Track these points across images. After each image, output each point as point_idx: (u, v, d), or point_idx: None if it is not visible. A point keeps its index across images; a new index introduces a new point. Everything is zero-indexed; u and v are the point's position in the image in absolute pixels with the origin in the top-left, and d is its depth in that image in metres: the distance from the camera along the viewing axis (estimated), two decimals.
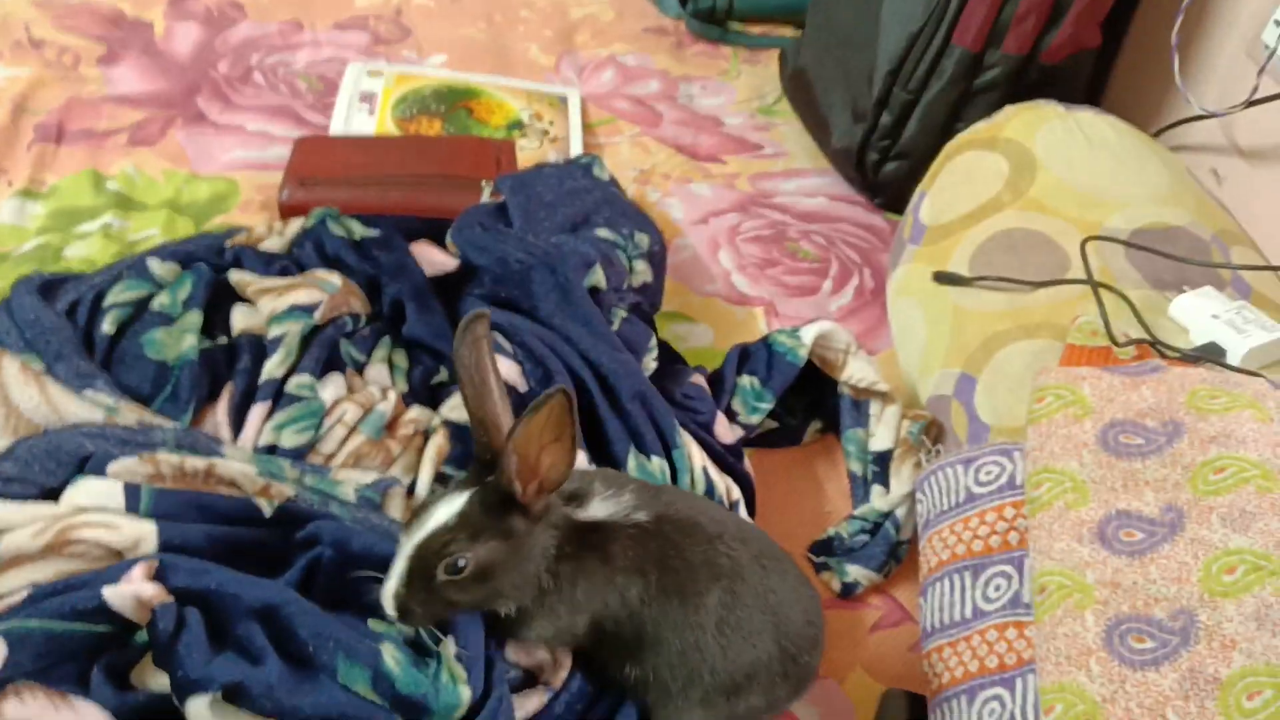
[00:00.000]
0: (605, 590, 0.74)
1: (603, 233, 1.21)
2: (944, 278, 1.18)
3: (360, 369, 1.07)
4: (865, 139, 1.46)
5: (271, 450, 0.96)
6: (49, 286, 1.08)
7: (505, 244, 1.16)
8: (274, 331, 1.03)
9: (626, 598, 0.75)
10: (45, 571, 0.77)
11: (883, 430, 1.09)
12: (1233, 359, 1.02)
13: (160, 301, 1.06)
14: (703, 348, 1.25)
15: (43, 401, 0.92)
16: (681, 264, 1.37)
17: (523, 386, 1.02)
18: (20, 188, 1.35)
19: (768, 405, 1.09)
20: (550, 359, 1.02)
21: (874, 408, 1.11)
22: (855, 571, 1.01)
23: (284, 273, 1.12)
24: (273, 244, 1.18)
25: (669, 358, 1.15)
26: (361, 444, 0.98)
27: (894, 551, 1.03)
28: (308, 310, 1.05)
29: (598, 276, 1.11)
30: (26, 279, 1.08)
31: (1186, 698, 0.73)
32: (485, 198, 1.33)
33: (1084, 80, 1.48)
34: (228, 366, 1.03)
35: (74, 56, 1.58)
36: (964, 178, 1.27)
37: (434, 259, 1.17)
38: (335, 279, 1.10)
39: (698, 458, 0.98)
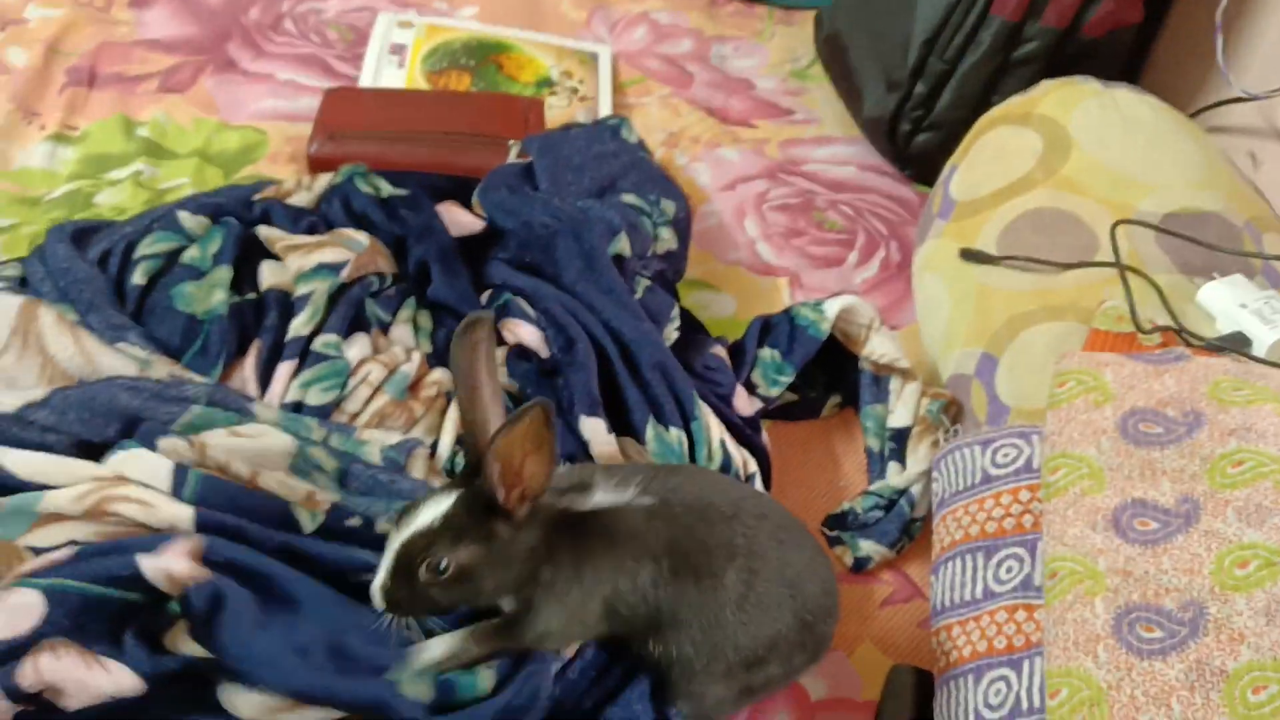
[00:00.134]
0: (614, 574, 0.75)
1: (629, 198, 1.21)
2: (971, 255, 1.17)
3: (385, 328, 1.08)
4: (898, 108, 1.44)
5: (297, 408, 0.98)
6: (80, 235, 1.10)
7: (531, 208, 1.16)
8: (301, 289, 1.04)
9: (638, 581, 0.76)
10: (84, 531, 0.78)
11: (902, 407, 1.10)
12: (1259, 350, 1.01)
13: (190, 255, 1.07)
14: (725, 317, 1.26)
15: (78, 352, 0.94)
16: (707, 231, 1.36)
17: (545, 352, 1.03)
18: (52, 131, 1.36)
19: (788, 378, 1.09)
20: (572, 326, 1.03)
21: (894, 384, 1.11)
22: (868, 547, 1.02)
23: (312, 229, 1.13)
24: (301, 199, 1.19)
25: (691, 327, 1.16)
26: (385, 404, 0.99)
27: (907, 528, 1.04)
28: (335, 269, 1.06)
29: (622, 244, 1.11)
30: (59, 227, 1.09)
31: (1192, 689, 0.73)
32: (512, 158, 1.32)
33: (1123, 56, 1.46)
34: (255, 323, 1.04)
35: None
36: (996, 154, 1.25)
37: (460, 220, 1.17)
38: (363, 238, 1.10)
39: (715, 430, 0.99)
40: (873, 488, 1.06)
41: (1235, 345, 1.01)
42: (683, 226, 1.24)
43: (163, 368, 0.96)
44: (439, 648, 0.75)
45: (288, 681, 0.70)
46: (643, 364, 1.01)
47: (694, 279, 1.29)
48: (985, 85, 1.40)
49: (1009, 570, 0.90)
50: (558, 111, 1.52)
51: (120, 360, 0.94)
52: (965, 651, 0.88)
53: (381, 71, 1.53)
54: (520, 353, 1.05)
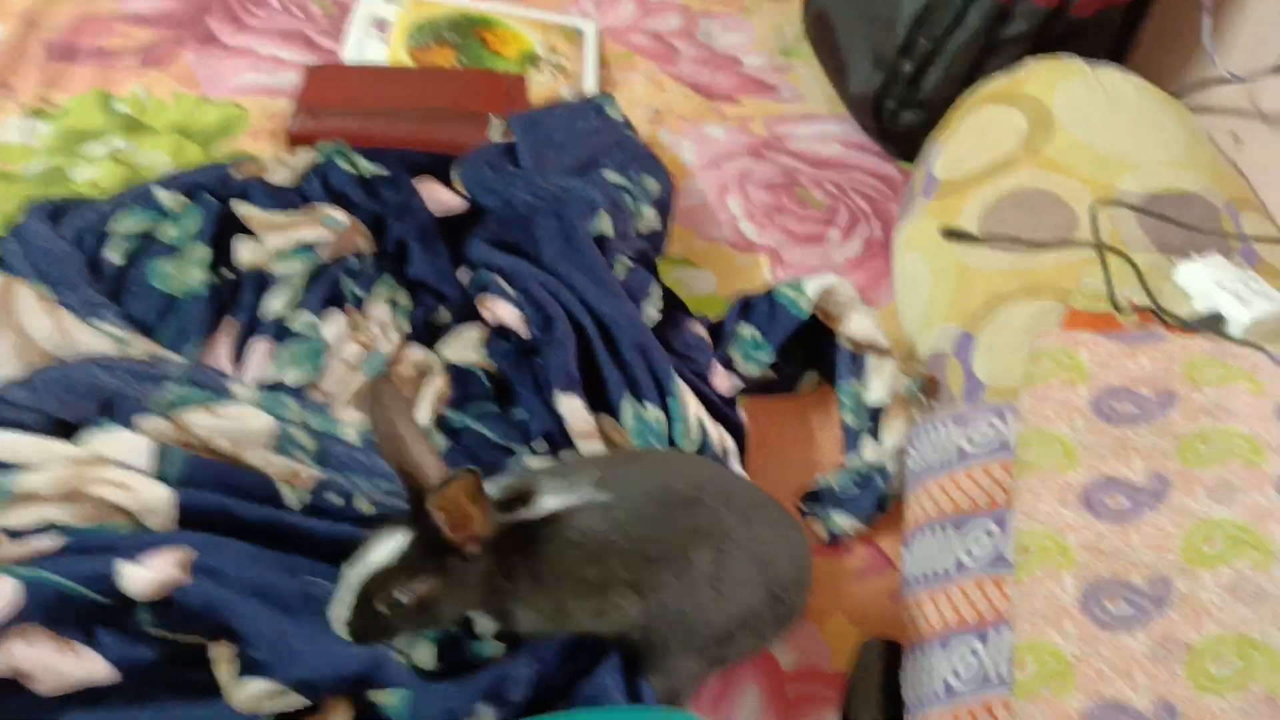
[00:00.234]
0: (581, 570, 0.76)
1: (611, 176, 1.21)
2: (952, 234, 1.17)
3: (360, 305, 1.08)
4: (884, 87, 1.43)
5: (274, 387, 0.98)
6: (57, 212, 1.09)
7: (512, 186, 1.16)
8: (279, 268, 1.04)
9: (608, 574, 0.76)
10: (61, 513, 0.78)
11: (878, 384, 1.10)
12: (1235, 329, 1.01)
13: (168, 233, 1.07)
14: (705, 294, 1.26)
15: (56, 330, 0.93)
16: (689, 209, 1.36)
17: (524, 333, 1.03)
18: (29, 106, 1.35)
19: (767, 356, 1.09)
20: (551, 305, 1.03)
21: (871, 361, 1.12)
22: (842, 520, 1.03)
23: (291, 207, 1.13)
24: (279, 175, 1.18)
25: (671, 304, 1.16)
26: (362, 383, 0.99)
27: (881, 502, 1.04)
28: (313, 248, 1.06)
29: (604, 223, 1.11)
30: (37, 205, 1.09)
31: (1156, 661, 0.74)
32: (494, 134, 1.32)
33: (1111, 36, 1.45)
34: (233, 301, 1.04)
35: None
36: (980, 133, 1.25)
37: (441, 198, 1.17)
38: (342, 217, 1.10)
39: (693, 407, 0.99)
40: (848, 463, 1.06)
41: (1211, 325, 1.02)
42: (665, 205, 1.24)
43: (140, 346, 0.95)
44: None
45: (298, 672, 0.71)
46: (622, 344, 1.01)
47: (675, 256, 1.29)
48: (972, 64, 1.39)
49: (980, 544, 0.90)
50: (542, 87, 1.51)
51: (98, 339, 0.94)
52: (935, 623, 0.89)
53: (365, 46, 1.52)
54: (500, 332, 1.05)
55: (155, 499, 0.79)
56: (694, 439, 0.99)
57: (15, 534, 0.77)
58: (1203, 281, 1.06)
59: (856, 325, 1.11)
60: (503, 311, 1.05)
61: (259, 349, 1.00)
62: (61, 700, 0.70)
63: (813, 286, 1.12)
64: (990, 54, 1.39)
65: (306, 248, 1.06)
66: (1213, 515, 0.80)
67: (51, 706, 0.70)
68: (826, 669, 0.94)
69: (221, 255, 1.08)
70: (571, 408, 0.98)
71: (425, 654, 0.77)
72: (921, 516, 0.96)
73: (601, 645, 0.81)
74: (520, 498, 0.76)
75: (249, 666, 0.71)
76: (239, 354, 1.00)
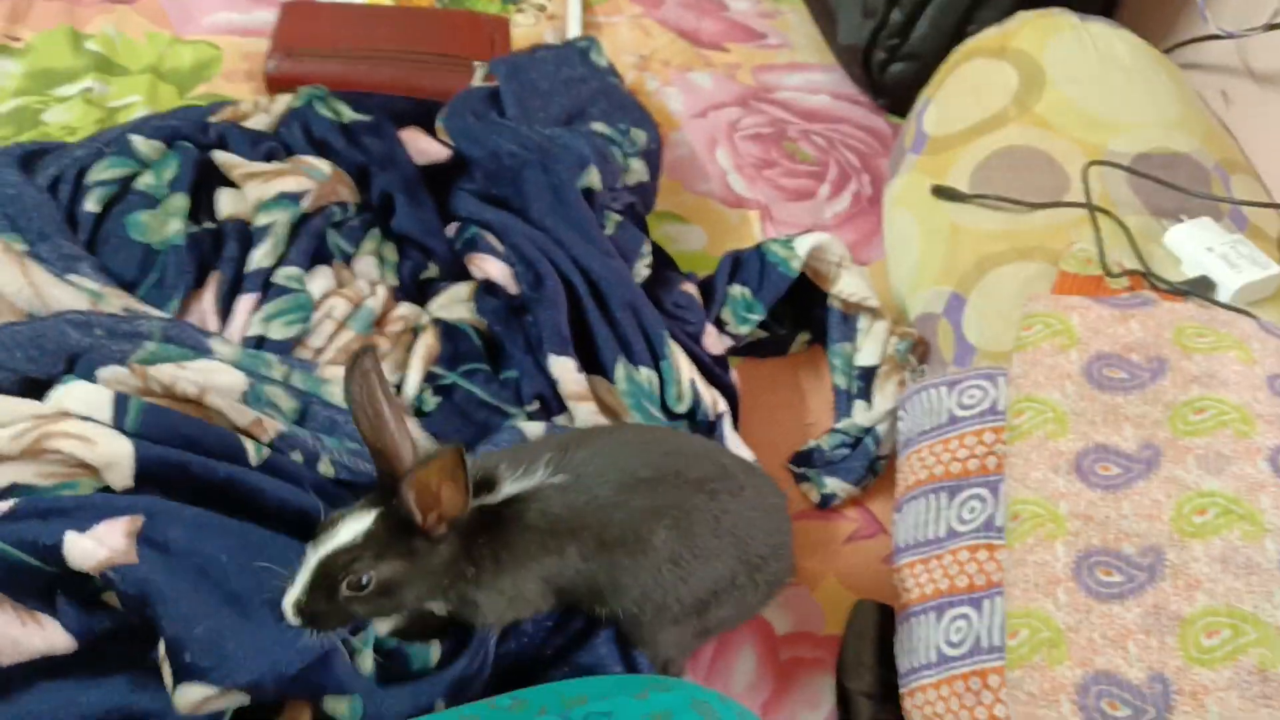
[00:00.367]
0: (539, 556, 0.75)
1: (599, 127, 1.18)
2: (943, 192, 1.16)
3: (348, 260, 1.06)
4: (873, 36, 1.41)
5: (259, 343, 0.96)
6: (29, 158, 1.05)
7: (499, 137, 1.13)
8: (261, 220, 1.02)
9: (565, 559, 0.76)
10: (24, 473, 0.76)
11: (869, 345, 1.10)
12: (1224, 294, 1.02)
13: (145, 182, 1.04)
14: (694, 251, 1.24)
15: (26, 285, 0.91)
16: (677, 161, 1.34)
17: (513, 289, 1.02)
18: None
19: (758, 316, 1.09)
20: (541, 262, 1.01)
21: (862, 322, 1.11)
22: (833, 484, 1.03)
23: (271, 155, 1.10)
24: (259, 121, 1.15)
25: (661, 262, 1.14)
26: (351, 340, 0.97)
27: (872, 466, 1.05)
28: (295, 198, 1.03)
29: (592, 177, 1.09)
30: (6, 150, 1.05)
31: (1148, 632, 0.76)
32: (478, 80, 1.29)
33: None
34: (214, 254, 1.01)
35: None
36: (971, 88, 1.24)
37: (425, 148, 1.14)
38: (324, 166, 1.07)
39: (685, 369, 0.99)
40: (839, 425, 1.07)
41: (1201, 290, 1.02)
42: (654, 157, 1.22)
43: (116, 301, 0.93)
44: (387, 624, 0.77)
45: (234, 677, 0.68)
46: (613, 302, 1.00)
47: (664, 211, 1.27)
48: (962, 14, 1.37)
49: (971, 510, 0.91)
50: (524, 30, 1.48)
51: (71, 294, 0.91)
52: (928, 589, 0.90)
53: None
54: (488, 288, 1.03)
55: (114, 452, 0.76)
56: (686, 402, 0.99)
57: None
58: (1193, 245, 1.06)
59: (847, 285, 1.11)
60: (492, 268, 1.03)
61: (244, 303, 0.98)
62: (20, 670, 0.68)
63: (804, 245, 1.11)
64: (980, 5, 1.38)
65: (288, 197, 1.04)
66: (1203, 486, 0.81)
67: (9, 677, 0.68)
68: (820, 633, 0.95)
69: (201, 205, 1.05)
70: (564, 369, 0.97)
71: (366, 661, 0.75)
72: (913, 481, 0.96)
73: (594, 619, 0.82)
74: (483, 482, 0.75)
75: (183, 671, 0.68)
76: (224, 308, 0.98)
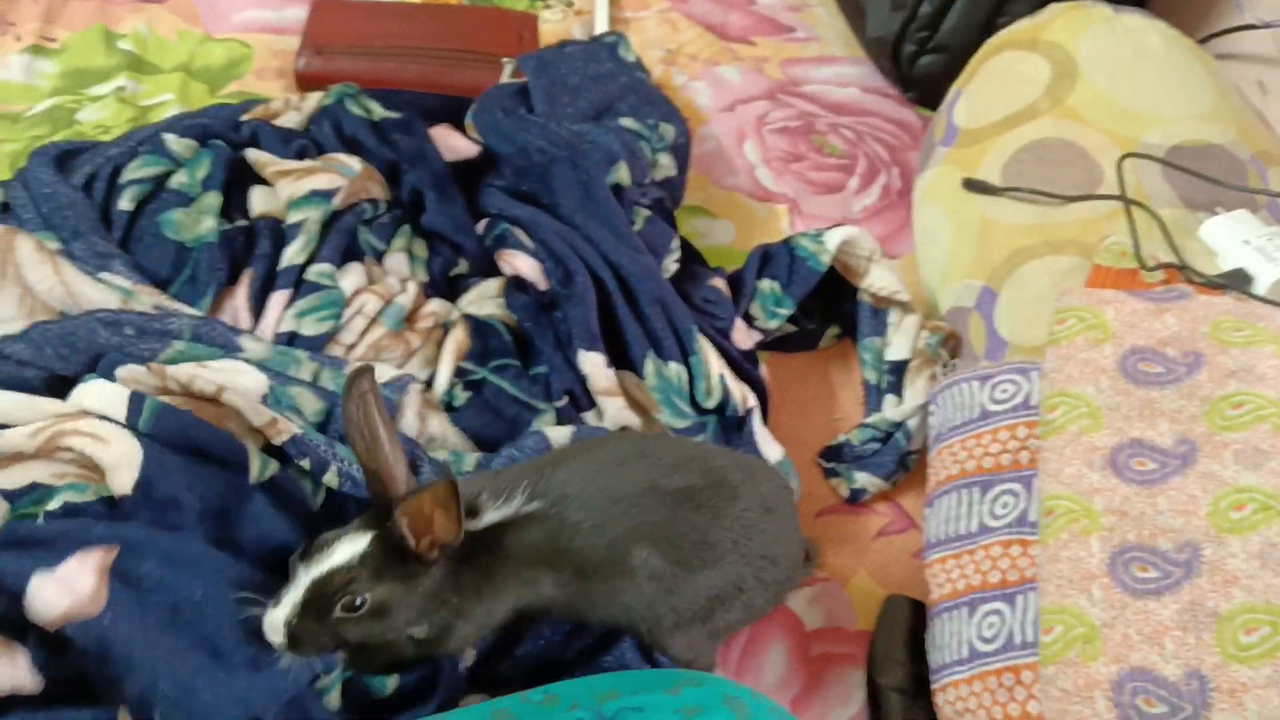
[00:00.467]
0: (515, 587, 0.75)
1: (627, 122, 1.18)
2: (974, 185, 1.15)
3: (379, 257, 1.07)
4: (903, 29, 1.40)
5: (291, 339, 0.96)
6: (64, 158, 1.07)
7: (527, 132, 1.13)
8: (293, 217, 1.02)
9: (539, 589, 0.76)
10: (43, 472, 0.76)
11: (900, 340, 1.09)
12: (1260, 287, 1.01)
13: (178, 180, 1.05)
14: (722, 245, 1.24)
15: (58, 283, 0.92)
16: (705, 155, 1.34)
17: (543, 285, 1.02)
18: (29, 43, 1.31)
19: (787, 311, 1.08)
20: (571, 259, 1.01)
21: (893, 316, 1.11)
22: (863, 479, 1.03)
23: (302, 153, 1.10)
24: (290, 119, 1.16)
25: (689, 257, 1.14)
26: (382, 336, 0.98)
27: (903, 461, 1.04)
28: (327, 196, 1.04)
29: (621, 173, 1.09)
30: (42, 150, 1.06)
31: (1185, 629, 0.75)
32: (506, 77, 1.29)
33: None
34: (246, 251, 1.02)
35: None
36: (1002, 80, 1.23)
37: (454, 145, 1.14)
38: (355, 163, 1.08)
39: (715, 364, 0.99)
40: (869, 420, 1.06)
41: (1237, 283, 1.01)
42: (682, 152, 1.22)
43: (147, 298, 0.94)
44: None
45: None
46: (642, 298, 1.00)
47: (692, 205, 1.27)
48: (992, 8, 1.36)
49: (1004, 506, 0.91)
50: (552, 25, 1.48)
51: (102, 292, 0.92)
52: (959, 585, 0.89)
53: None
54: (518, 284, 1.03)
55: (124, 454, 0.76)
56: (715, 397, 0.99)
57: (8, 496, 0.76)
58: (1229, 238, 1.05)
59: (878, 279, 1.10)
60: (521, 264, 1.03)
61: (276, 300, 0.99)
62: None
63: (833, 238, 1.10)
64: None
65: (320, 195, 1.04)
66: (1241, 481, 0.80)
67: None
68: (851, 628, 0.95)
69: (233, 203, 1.06)
70: (594, 365, 0.97)
71: (334, 699, 0.75)
72: (944, 476, 0.96)
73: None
74: (469, 509, 0.74)
75: None
76: (256, 305, 0.98)
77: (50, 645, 0.69)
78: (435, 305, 1.03)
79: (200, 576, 0.72)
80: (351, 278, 1.01)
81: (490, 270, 1.07)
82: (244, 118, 1.15)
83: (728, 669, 0.91)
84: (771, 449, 0.98)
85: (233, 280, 1.01)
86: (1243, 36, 1.32)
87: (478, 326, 1.00)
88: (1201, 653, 0.73)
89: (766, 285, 1.09)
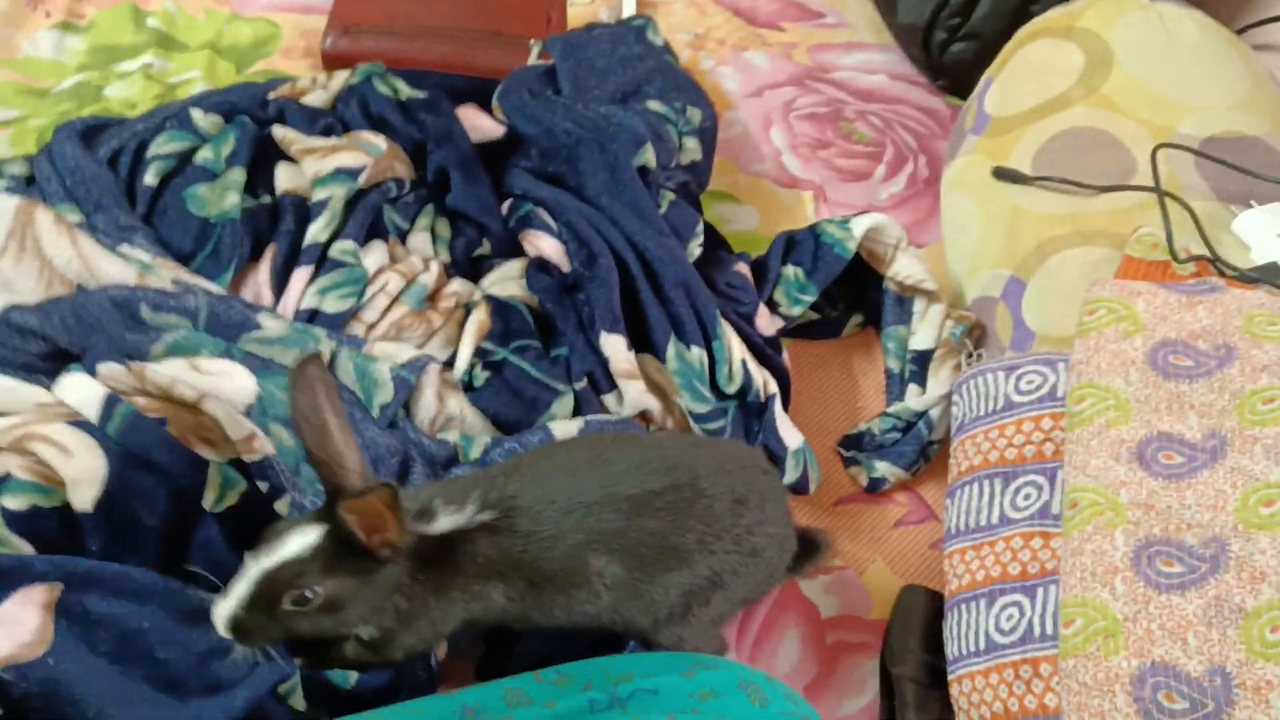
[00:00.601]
0: (465, 599, 0.74)
1: (654, 105, 1.18)
2: (1004, 174, 1.14)
3: (403, 236, 1.06)
4: (934, 16, 1.38)
5: (313, 316, 0.96)
6: (90, 133, 1.07)
7: (554, 114, 1.13)
8: (318, 194, 1.02)
9: (490, 603, 0.74)
10: (13, 464, 0.75)
11: (925, 329, 1.08)
12: None
13: (203, 156, 1.05)
14: (747, 231, 1.23)
15: (75, 256, 0.92)
16: (731, 140, 1.33)
17: (565, 266, 1.01)
18: (58, 20, 1.32)
19: (811, 297, 1.08)
20: (595, 240, 1.01)
21: (918, 305, 1.10)
22: (883, 468, 1.02)
23: (328, 131, 1.10)
24: (316, 98, 1.16)
25: (713, 242, 1.14)
26: (404, 315, 0.98)
27: (924, 451, 1.03)
28: (352, 174, 1.04)
29: (648, 155, 1.08)
30: (68, 125, 1.07)
31: (1209, 624, 0.74)
32: (534, 59, 1.28)
33: None
34: (270, 227, 1.02)
35: None
36: (1035, 68, 1.21)
37: (480, 125, 1.14)
38: (380, 142, 1.07)
39: (737, 350, 0.98)
40: (891, 409, 1.05)
41: (1270, 276, 0.99)
42: (708, 136, 1.21)
43: (166, 273, 0.94)
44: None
45: None
46: (666, 281, 0.99)
47: (717, 190, 1.26)
48: None
49: (1027, 497, 0.90)
50: (580, 8, 1.47)
51: (119, 266, 0.92)
52: (978, 575, 0.88)
53: None
54: (540, 265, 1.03)
55: (87, 471, 0.75)
56: (737, 382, 0.98)
57: None
58: (1263, 232, 1.03)
59: (904, 267, 1.09)
60: (545, 245, 1.03)
61: (299, 276, 0.99)
62: None
63: (860, 225, 1.09)
64: None
65: (345, 173, 1.04)
66: (1271, 477, 0.79)
67: None
68: (866, 617, 0.94)
69: (259, 180, 1.06)
70: (615, 347, 0.96)
71: (298, 701, 0.74)
72: (966, 467, 0.95)
73: None
74: (421, 512, 0.73)
75: None
76: (279, 281, 0.99)
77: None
78: (457, 285, 1.02)
79: (149, 605, 0.71)
80: (375, 256, 1.01)
81: (513, 251, 1.06)
82: (270, 96, 1.15)
83: (740, 655, 0.90)
84: (792, 436, 0.97)
85: (255, 257, 1.01)
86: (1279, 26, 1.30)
87: (499, 307, 1.00)
88: (1226, 649, 0.72)
89: (791, 271, 1.08)
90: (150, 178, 1.03)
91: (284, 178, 1.05)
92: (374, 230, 1.04)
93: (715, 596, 0.79)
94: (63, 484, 0.75)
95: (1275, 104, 1.16)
